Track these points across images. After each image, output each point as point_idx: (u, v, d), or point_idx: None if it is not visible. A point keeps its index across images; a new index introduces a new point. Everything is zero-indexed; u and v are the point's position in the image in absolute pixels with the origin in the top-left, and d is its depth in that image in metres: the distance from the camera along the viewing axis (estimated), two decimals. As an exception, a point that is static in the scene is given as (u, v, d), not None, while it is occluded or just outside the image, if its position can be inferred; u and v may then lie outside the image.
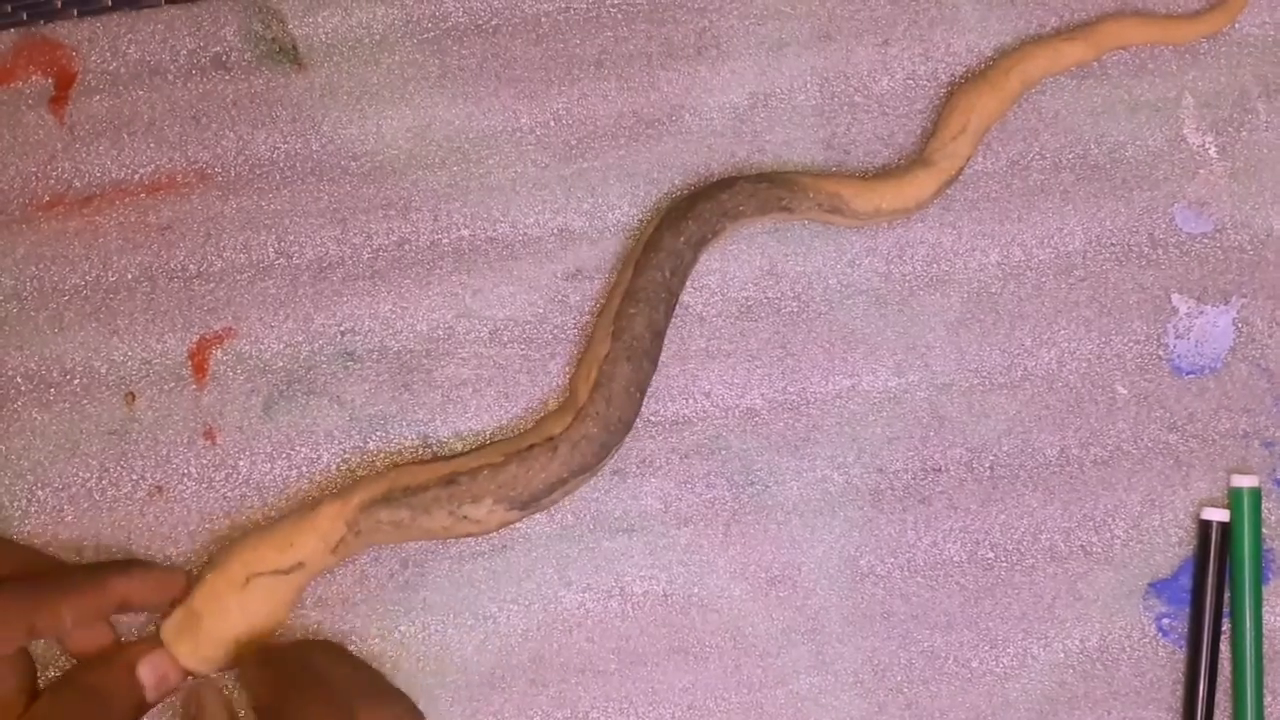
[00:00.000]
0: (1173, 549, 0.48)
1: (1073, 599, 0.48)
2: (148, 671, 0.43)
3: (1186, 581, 0.48)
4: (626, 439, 0.47)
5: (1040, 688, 0.48)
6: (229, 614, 0.44)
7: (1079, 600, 0.48)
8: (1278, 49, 0.50)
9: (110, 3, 0.49)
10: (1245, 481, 0.47)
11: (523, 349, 0.48)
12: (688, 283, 0.48)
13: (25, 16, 0.48)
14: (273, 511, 0.47)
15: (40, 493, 0.47)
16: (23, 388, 0.48)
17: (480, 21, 0.49)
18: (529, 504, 0.45)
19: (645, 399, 0.47)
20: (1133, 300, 0.49)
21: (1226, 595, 0.47)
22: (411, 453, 0.48)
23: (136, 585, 0.43)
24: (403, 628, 0.47)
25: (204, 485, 0.47)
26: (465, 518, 0.44)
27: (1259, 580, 0.47)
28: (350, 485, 0.46)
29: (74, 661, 0.44)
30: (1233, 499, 0.47)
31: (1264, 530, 0.48)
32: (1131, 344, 0.49)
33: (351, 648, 0.47)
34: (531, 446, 0.45)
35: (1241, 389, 0.49)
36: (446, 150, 0.49)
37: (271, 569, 0.44)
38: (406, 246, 0.48)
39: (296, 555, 0.44)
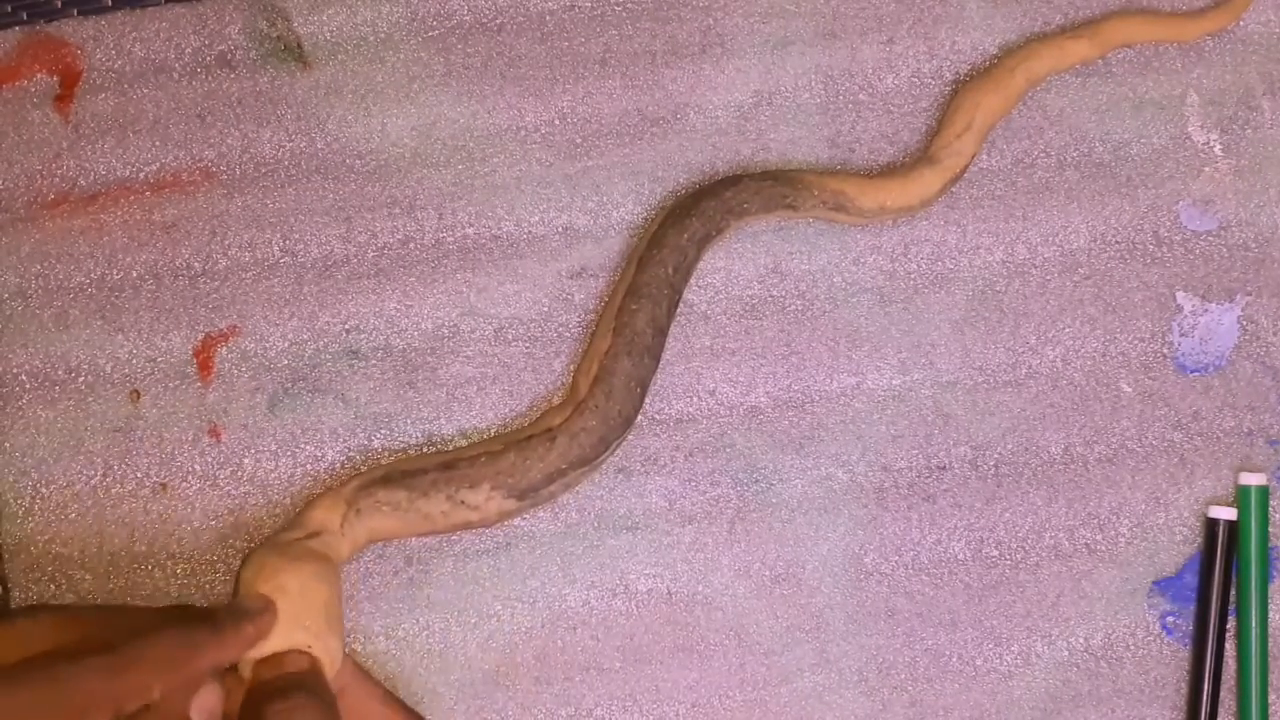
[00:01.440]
0: (1177, 547, 0.48)
1: (1077, 597, 0.48)
2: (197, 711, 0.39)
3: (1191, 580, 0.48)
4: (629, 435, 0.47)
5: (1044, 686, 0.48)
6: (286, 587, 0.42)
7: (1083, 598, 0.48)
8: (1282, 47, 0.50)
9: (110, 2, 0.49)
10: (1254, 479, 0.47)
11: (527, 347, 0.48)
12: (692, 280, 0.48)
13: (25, 16, 0.49)
14: (277, 509, 0.47)
15: (45, 490, 0.47)
16: (27, 385, 0.48)
17: (485, 20, 0.49)
18: (526, 493, 0.45)
19: (648, 396, 0.47)
20: (1137, 298, 0.49)
21: (1231, 594, 0.47)
22: (416, 450, 0.48)
23: (229, 649, 0.39)
24: (407, 625, 0.47)
25: (209, 483, 0.47)
26: (463, 503, 0.44)
27: (1265, 578, 0.47)
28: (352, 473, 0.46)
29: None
30: (1240, 496, 0.47)
31: (1270, 528, 0.48)
32: (1136, 342, 0.49)
33: (356, 645, 0.47)
34: (530, 437, 0.45)
35: (1246, 387, 0.49)
36: (451, 149, 0.49)
37: (293, 538, 0.43)
38: (411, 245, 0.48)
39: (310, 527, 0.44)
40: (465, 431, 0.48)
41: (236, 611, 0.40)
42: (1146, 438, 0.48)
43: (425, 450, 0.48)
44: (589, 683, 0.47)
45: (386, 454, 0.48)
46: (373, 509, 0.44)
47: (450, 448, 0.47)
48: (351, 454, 0.48)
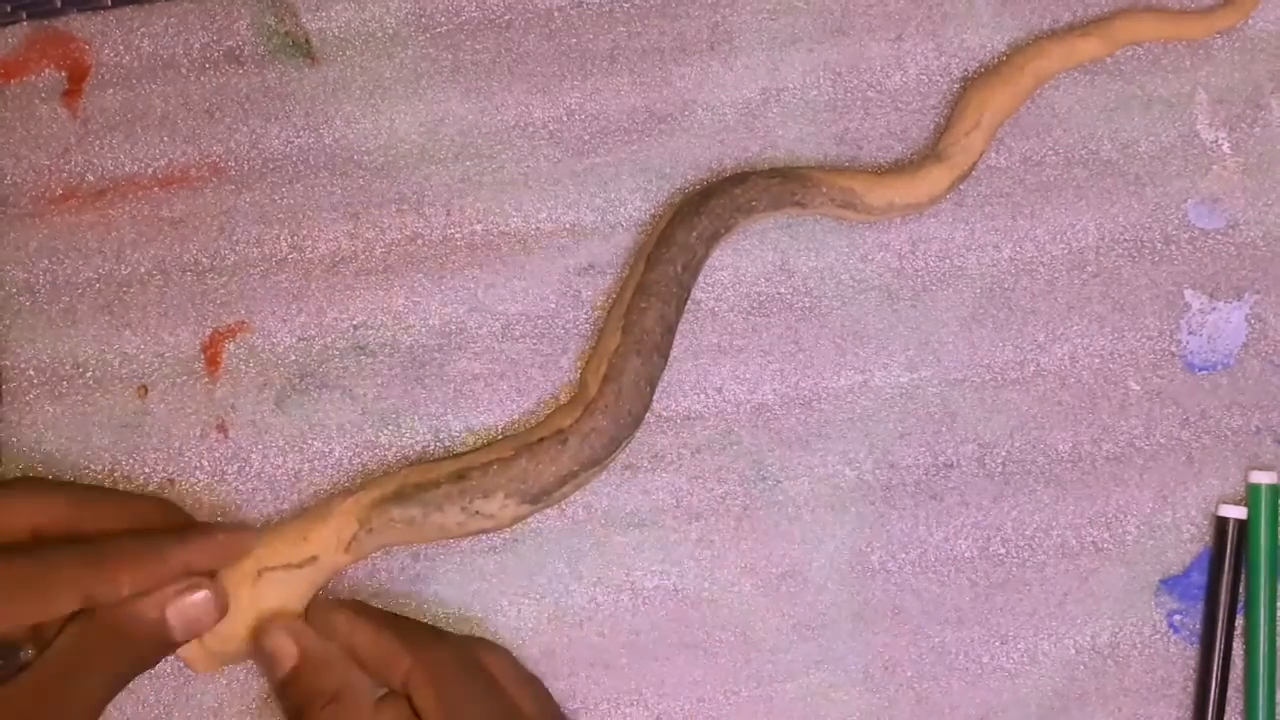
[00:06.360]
0: (1185, 545, 0.48)
1: (1084, 595, 0.48)
2: (175, 614, 0.42)
3: (1198, 578, 0.48)
4: (637, 433, 0.47)
5: (1051, 684, 0.48)
6: (240, 609, 0.44)
7: (1090, 596, 0.48)
8: (1291, 45, 0.50)
9: (110, 1, 0.49)
10: (1264, 478, 0.47)
11: (534, 344, 0.48)
12: (700, 278, 0.48)
13: (25, 16, 0.48)
14: (284, 505, 0.47)
15: (52, 485, 0.47)
16: (35, 380, 0.48)
17: (493, 16, 0.49)
18: (540, 497, 0.45)
19: (656, 394, 0.47)
20: (1145, 296, 0.49)
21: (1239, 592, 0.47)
22: (423, 447, 0.48)
23: (195, 554, 0.43)
24: (414, 621, 0.47)
25: (216, 478, 0.47)
26: (478, 513, 0.45)
27: (1274, 576, 0.47)
28: (363, 483, 0.46)
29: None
30: (1251, 495, 0.47)
31: None
32: (1144, 340, 0.49)
33: (363, 641, 0.47)
34: (541, 440, 0.45)
35: (1254, 385, 0.49)
36: (459, 145, 0.49)
37: (283, 563, 0.44)
38: (419, 241, 0.48)
39: (309, 550, 0.44)
40: (472, 428, 0.48)
41: (209, 527, 0.45)
42: (1154, 436, 0.48)
43: (433, 448, 0.48)
44: (595, 678, 0.47)
45: (394, 450, 0.48)
46: (386, 527, 0.44)
47: (459, 449, 0.47)
48: (359, 450, 0.48)
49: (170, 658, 0.45)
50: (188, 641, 0.43)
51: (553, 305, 0.48)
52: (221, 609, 0.43)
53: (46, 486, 0.44)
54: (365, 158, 0.48)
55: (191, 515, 0.46)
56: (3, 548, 0.40)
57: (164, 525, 0.44)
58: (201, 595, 0.42)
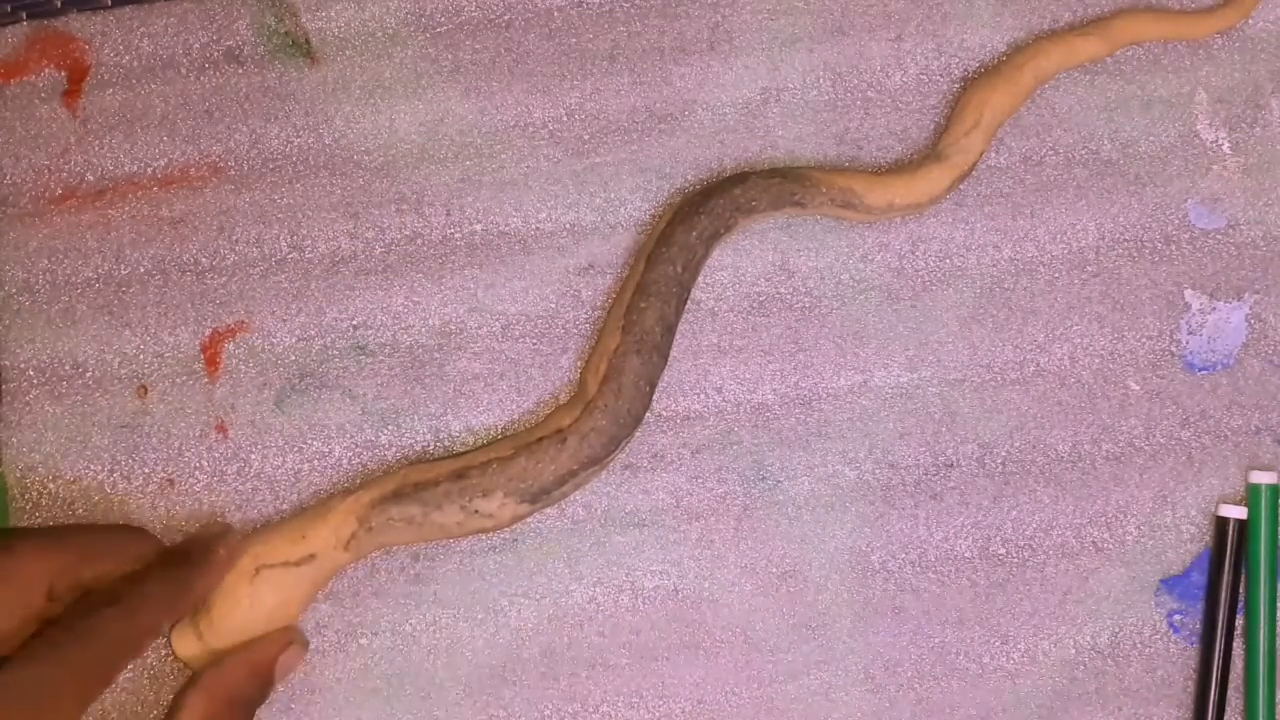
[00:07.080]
0: (1185, 545, 0.48)
1: (1084, 595, 0.48)
2: (280, 667, 0.45)
3: (1198, 578, 0.48)
4: (637, 433, 0.47)
5: (1051, 684, 0.48)
6: (239, 606, 0.44)
7: (1090, 596, 0.48)
8: (1291, 45, 0.50)
9: (110, 2, 0.49)
10: (1265, 478, 0.47)
11: (534, 344, 0.48)
12: (699, 278, 0.48)
13: (25, 16, 0.48)
14: (284, 505, 0.47)
15: (51, 485, 0.47)
16: (34, 380, 0.48)
17: (493, 16, 0.49)
18: (539, 496, 0.45)
19: (656, 393, 0.47)
20: (1145, 296, 0.49)
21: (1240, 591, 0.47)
22: (422, 447, 0.48)
23: (211, 579, 0.44)
24: (413, 621, 0.47)
25: (216, 478, 0.47)
26: (477, 512, 0.45)
27: (1275, 576, 0.47)
28: (362, 482, 0.46)
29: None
30: (1251, 495, 0.47)
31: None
32: (1144, 340, 0.49)
33: (362, 641, 0.47)
34: (541, 439, 0.45)
35: (1254, 385, 0.49)
36: (459, 145, 0.49)
37: (281, 560, 0.44)
38: (419, 241, 0.48)
39: (307, 548, 0.44)
40: (472, 428, 0.48)
41: (204, 543, 0.44)
42: (1154, 436, 0.48)
43: (433, 447, 0.48)
44: (595, 679, 0.47)
45: (393, 450, 0.48)
46: (385, 525, 0.44)
47: (458, 449, 0.47)
48: (358, 450, 0.48)
49: (169, 656, 0.46)
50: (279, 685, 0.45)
51: (552, 305, 0.48)
52: (304, 655, 0.46)
53: (53, 540, 0.42)
54: (365, 158, 0.48)
55: (159, 539, 0.45)
56: (41, 635, 0.39)
57: (149, 555, 0.43)
58: (296, 650, 0.45)
